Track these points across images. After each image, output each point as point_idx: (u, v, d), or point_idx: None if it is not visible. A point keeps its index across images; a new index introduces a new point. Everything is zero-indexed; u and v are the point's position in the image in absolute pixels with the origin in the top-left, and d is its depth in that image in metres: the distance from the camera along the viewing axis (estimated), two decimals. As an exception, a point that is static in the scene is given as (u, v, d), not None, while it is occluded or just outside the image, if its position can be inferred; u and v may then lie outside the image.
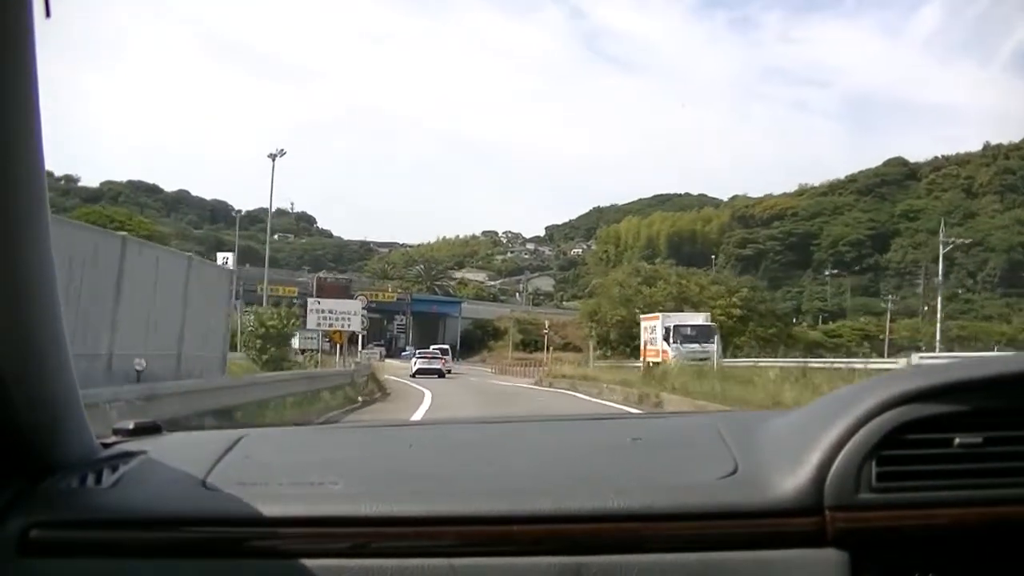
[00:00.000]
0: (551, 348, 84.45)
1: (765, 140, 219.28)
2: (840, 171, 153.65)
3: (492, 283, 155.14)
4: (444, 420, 4.77)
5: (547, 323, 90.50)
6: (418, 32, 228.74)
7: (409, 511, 1.34)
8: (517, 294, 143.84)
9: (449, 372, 62.40)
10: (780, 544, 1.28)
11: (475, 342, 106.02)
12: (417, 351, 68.22)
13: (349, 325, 35.13)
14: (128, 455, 1.57)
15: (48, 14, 1.19)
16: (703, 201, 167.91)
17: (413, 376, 51.70)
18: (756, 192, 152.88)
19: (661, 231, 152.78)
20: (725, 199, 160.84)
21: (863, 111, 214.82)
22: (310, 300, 35.14)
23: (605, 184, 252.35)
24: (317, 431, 2.38)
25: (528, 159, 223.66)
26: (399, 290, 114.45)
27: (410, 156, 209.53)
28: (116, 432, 1.76)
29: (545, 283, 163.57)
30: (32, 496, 1.39)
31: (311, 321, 35.21)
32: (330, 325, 34.80)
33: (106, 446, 1.64)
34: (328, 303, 36.18)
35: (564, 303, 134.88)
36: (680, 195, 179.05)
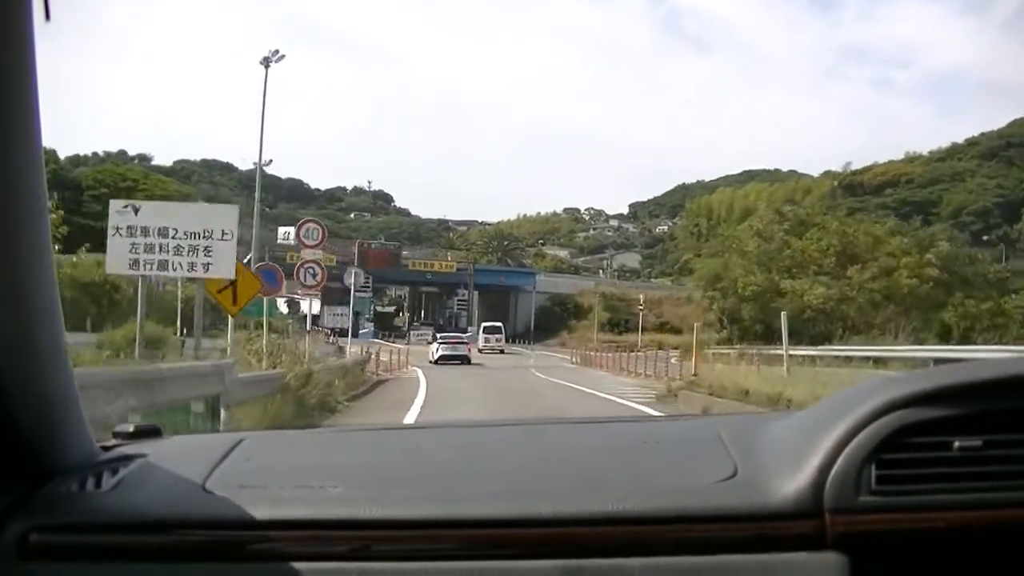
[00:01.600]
0: (645, 329, 67.74)
1: (847, 119, 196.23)
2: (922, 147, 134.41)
3: (574, 261, 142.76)
4: (445, 423, 4.66)
5: (641, 298, 70.91)
6: (500, 18, 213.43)
7: (409, 514, 1.30)
8: (601, 271, 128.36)
9: (501, 352, 56.21)
10: (780, 547, 1.24)
11: (552, 321, 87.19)
12: (439, 335, 56.18)
13: (214, 266, 13.16)
14: (128, 458, 1.50)
15: (48, 17, 1.18)
16: (794, 176, 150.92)
17: (435, 363, 43.75)
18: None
19: (758, 202, 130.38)
20: (815, 175, 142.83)
21: (946, 90, 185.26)
22: (113, 203, 13.17)
23: (690, 161, 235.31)
24: (317, 434, 2.25)
25: (609, 138, 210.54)
26: (461, 261, 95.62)
27: (492, 137, 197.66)
28: (115, 435, 1.67)
29: (631, 259, 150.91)
30: (32, 500, 1.34)
31: (112, 257, 13.25)
32: (163, 266, 13.01)
33: (106, 449, 1.57)
34: (152, 212, 13.85)
35: (652, 279, 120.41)
36: (769, 170, 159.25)
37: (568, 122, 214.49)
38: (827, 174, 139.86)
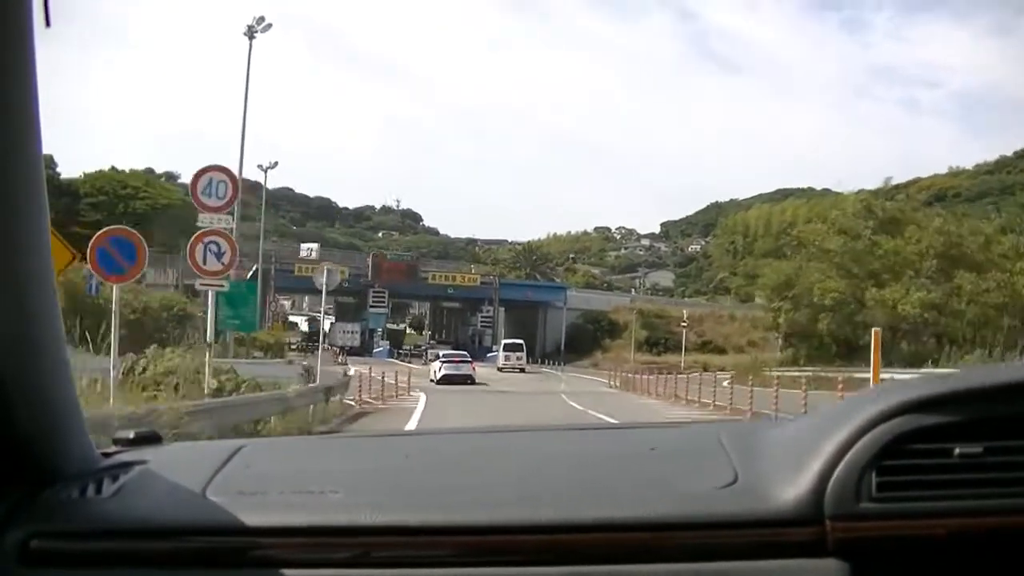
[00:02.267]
0: (686, 349, 60.95)
1: (876, 139, 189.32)
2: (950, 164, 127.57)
3: (606, 278, 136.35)
4: (445, 430, 4.24)
5: (684, 313, 64.35)
6: (529, 37, 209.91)
7: (410, 521, 1.28)
8: (633, 290, 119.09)
9: (522, 371, 54.57)
10: (780, 554, 1.22)
11: (584, 340, 77.46)
12: (441, 353, 51.42)
13: None
14: (128, 465, 1.49)
15: (48, 23, 1.19)
16: (829, 195, 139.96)
17: (437, 383, 39.78)
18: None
19: (796, 219, 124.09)
20: (848, 192, 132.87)
21: (975, 110, 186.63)
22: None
23: (722, 180, 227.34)
24: (317, 441, 2.26)
25: (640, 156, 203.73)
26: (486, 275, 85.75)
27: (520, 155, 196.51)
28: (116, 442, 1.67)
29: (664, 278, 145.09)
30: (32, 506, 1.33)
31: None
32: None
33: (106, 456, 1.56)
34: None
35: (686, 298, 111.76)
36: (803, 188, 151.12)
37: (598, 140, 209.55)
38: (861, 192, 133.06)
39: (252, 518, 1.28)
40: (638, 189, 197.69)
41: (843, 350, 33.75)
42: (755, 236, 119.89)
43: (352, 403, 23.34)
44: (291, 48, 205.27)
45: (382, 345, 70.18)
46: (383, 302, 74.59)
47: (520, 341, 62.88)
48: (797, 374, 29.36)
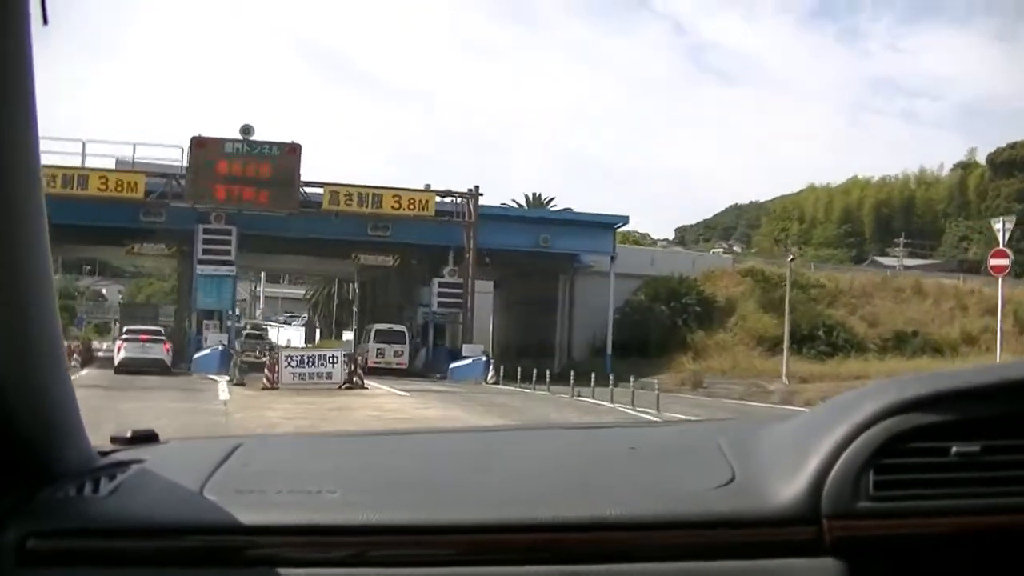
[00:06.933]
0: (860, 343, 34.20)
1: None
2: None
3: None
4: (442, 429, 4.26)
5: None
6: (523, 50, 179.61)
7: (407, 520, 1.23)
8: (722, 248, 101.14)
9: (401, 371, 32.33)
10: (778, 553, 1.17)
11: (649, 331, 32.10)
12: (125, 328, 34.33)
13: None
14: (125, 464, 1.43)
15: (45, 21, 1.13)
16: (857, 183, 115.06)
17: (116, 371, 28.53)
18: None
19: (864, 200, 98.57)
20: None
21: (976, 120, 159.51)
22: None
23: (740, 183, 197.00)
24: (315, 439, 2.14)
25: (653, 164, 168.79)
26: (447, 193, 36.89)
27: (524, 165, 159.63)
28: (113, 441, 1.60)
29: None
30: (29, 505, 1.28)
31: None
32: None
33: (103, 455, 1.50)
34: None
35: None
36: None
37: (601, 152, 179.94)
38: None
39: (250, 517, 1.22)
40: (650, 196, 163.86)
41: None
42: (813, 222, 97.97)
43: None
44: (297, 69, 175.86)
45: (211, 344, 28.05)
46: (225, 250, 32.32)
47: (401, 328, 36.40)
48: None
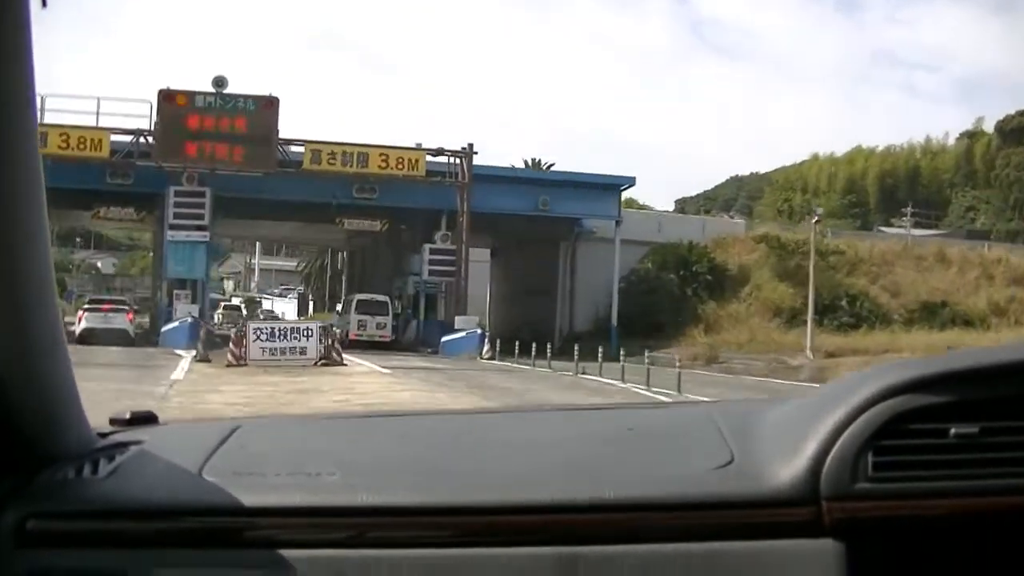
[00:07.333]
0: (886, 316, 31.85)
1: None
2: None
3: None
4: (441, 411, 4.17)
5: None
6: (523, 23, 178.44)
7: (406, 501, 1.24)
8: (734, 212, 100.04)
9: (384, 343, 30.61)
10: (776, 534, 1.18)
11: (657, 304, 29.08)
12: (88, 299, 33.98)
13: None
14: (124, 445, 1.44)
15: (44, 3, 1.11)
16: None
17: (77, 340, 26.55)
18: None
19: (868, 170, 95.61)
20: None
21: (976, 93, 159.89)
22: None
23: (741, 155, 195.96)
24: (313, 421, 2.14)
25: (647, 138, 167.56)
26: (439, 152, 34.42)
27: (516, 140, 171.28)
28: (113, 422, 1.60)
29: None
30: (29, 487, 1.29)
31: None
32: None
33: (103, 436, 1.51)
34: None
35: None
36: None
37: (602, 125, 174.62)
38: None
39: (248, 498, 1.22)
40: (649, 168, 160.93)
41: None
42: (816, 192, 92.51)
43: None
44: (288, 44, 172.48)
45: (181, 316, 25.46)
46: (198, 214, 29.57)
47: (384, 298, 34.53)
48: None
